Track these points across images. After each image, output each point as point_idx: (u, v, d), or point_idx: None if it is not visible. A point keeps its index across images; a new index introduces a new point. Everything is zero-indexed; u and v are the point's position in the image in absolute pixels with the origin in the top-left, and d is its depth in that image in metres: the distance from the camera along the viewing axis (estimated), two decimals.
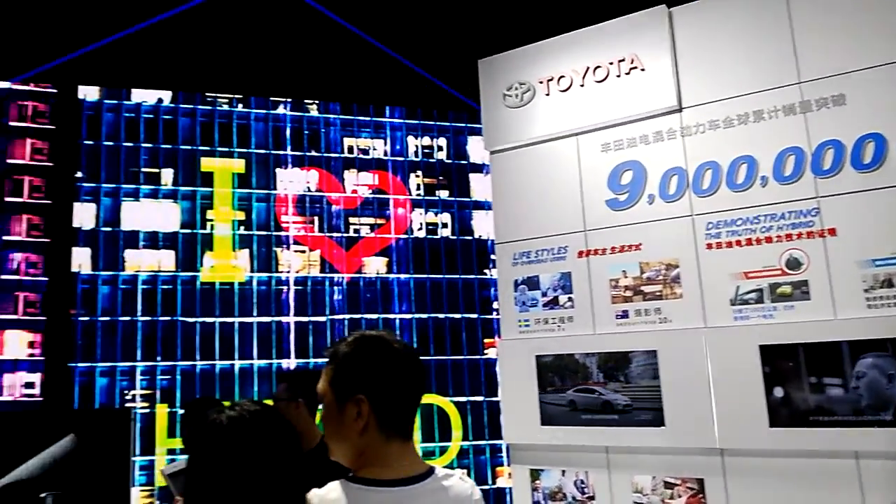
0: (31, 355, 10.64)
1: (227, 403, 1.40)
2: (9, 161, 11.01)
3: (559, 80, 3.32)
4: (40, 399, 10.37)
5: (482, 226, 18.11)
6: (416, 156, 17.10)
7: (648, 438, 2.85)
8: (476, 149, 18.04)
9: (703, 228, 2.87)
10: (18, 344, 10.65)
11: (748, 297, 2.76)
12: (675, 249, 2.92)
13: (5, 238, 10.82)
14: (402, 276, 16.69)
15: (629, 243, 3.05)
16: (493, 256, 16.88)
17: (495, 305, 17.40)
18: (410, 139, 17.07)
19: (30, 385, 10.61)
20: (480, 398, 17.67)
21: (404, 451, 1.31)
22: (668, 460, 2.83)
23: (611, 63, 3.20)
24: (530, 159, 3.35)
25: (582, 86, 3.25)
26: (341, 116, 13.45)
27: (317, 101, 12.63)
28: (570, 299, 3.13)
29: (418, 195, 17.33)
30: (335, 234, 12.86)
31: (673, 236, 2.92)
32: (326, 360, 1.35)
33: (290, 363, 11.32)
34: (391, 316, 16.44)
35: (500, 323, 3.37)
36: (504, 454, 17.14)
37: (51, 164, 11.12)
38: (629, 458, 2.94)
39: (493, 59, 3.55)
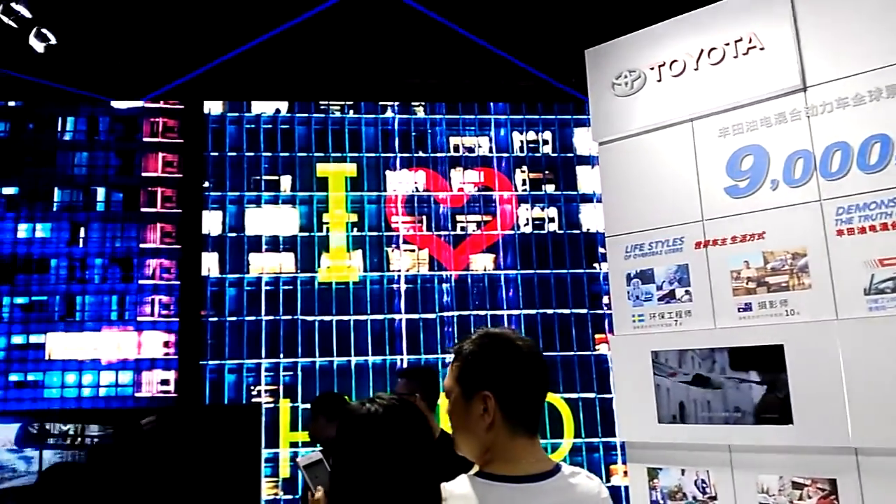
0: (167, 354, 11.47)
1: (348, 398, 1.47)
2: (143, 174, 11.91)
3: (671, 64, 3.21)
4: (174, 395, 11.17)
5: (590, 219, 17.76)
6: (522, 151, 17.03)
7: (775, 436, 2.70)
8: (583, 141, 17.74)
9: (833, 214, 2.68)
10: (155, 344, 11.51)
11: (884, 286, 2.55)
12: (802, 237, 2.74)
13: (142, 245, 11.69)
14: (510, 272, 16.69)
15: (751, 232, 2.90)
16: (602, 250, 16.53)
17: (605, 300, 17.04)
18: (515, 134, 17.03)
19: (165, 382, 11.45)
20: (592, 395, 17.37)
21: (530, 447, 1.32)
22: (797, 459, 2.67)
23: (727, 44, 3.05)
24: (642, 148, 3.26)
25: (696, 69, 3.13)
26: (447, 116, 13.64)
27: (423, 103, 12.90)
28: (687, 292, 3.01)
29: (524, 190, 17.25)
30: (443, 233, 13.06)
31: (799, 223, 2.75)
32: (452, 357, 1.37)
33: (403, 359, 11.61)
34: (499, 312, 16.49)
35: (613, 318, 3.29)
36: (618, 452, 16.75)
37: (180, 175, 11.92)
38: (754, 457, 2.80)
39: (600, 48, 3.48)
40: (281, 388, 11.18)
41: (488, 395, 1.30)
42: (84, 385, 11.58)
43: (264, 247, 11.67)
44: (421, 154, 12.88)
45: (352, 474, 1.27)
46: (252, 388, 10.92)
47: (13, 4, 10.35)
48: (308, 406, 11.02)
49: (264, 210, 11.75)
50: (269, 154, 11.96)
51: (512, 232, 16.79)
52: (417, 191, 12.64)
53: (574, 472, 1.37)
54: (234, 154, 11.86)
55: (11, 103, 12.09)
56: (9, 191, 11.82)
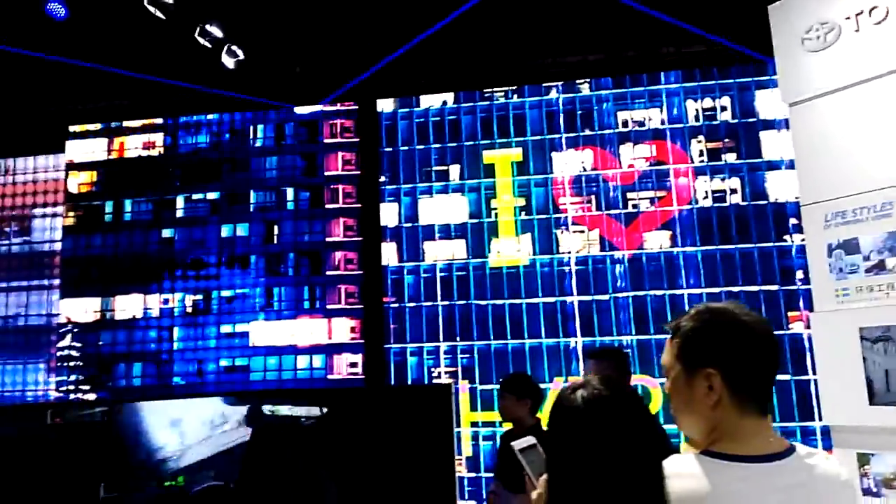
0: (353, 339, 12.23)
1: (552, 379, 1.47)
2: (326, 173, 12.73)
3: (871, 11, 2.88)
4: (363, 377, 11.91)
5: (778, 188, 16.31)
6: (697, 120, 15.99)
7: None
8: (766, 104, 16.30)
9: None
10: (343, 330, 12.33)
11: None
12: None
13: (328, 239, 12.53)
14: (688, 249, 15.81)
15: None
16: (794, 221, 15.15)
17: (800, 275, 15.65)
18: (689, 103, 16.04)
19: (353, 365, 12.24)
20: (787, 377, 16.07)
21: (761, 426, 1.27)
22: None
23: None
24: (840, 106, 2.95)
25: None
26: (613, 91, 13.19)
27: (588, 80, 12.57)
28: None
29: (701, 162, 16.23)
30: (613, 212, 12.67)
31: None
32: (669, 334, 1.35)
33: (577, 342, 11.51)
34: (678, 291, 15.70)
35: (813, 294, 3.03)
36: (818, 437, 15.40)
37: (358, 171, 12.60)
38: None
39: (785, 1, 3.19)
40: (459, 369, 11.53)
41: (713, 372, 1.26)
42: (283, 369, 12.67)
43: (437, 235, 12.05)
44: (587, 132, 12.58)
45: (571, 463, 1.27)
46: (432, 369, 11.36)
47: (208, 26, 11.46)
48: (488, 387, 11.36)
49: (436, 200, 12.12)
50: (437, 145, 12.32)
51: (689, 207, 15.90)
52: (585, 170, 12.35)
53: (811, 453, 1.30)
54: (405, 148, 12.34)
55: (211, 116, 13.46)
56: (212, 195, 13.14)
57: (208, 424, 4.00)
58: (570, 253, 11.95)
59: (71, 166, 13.68)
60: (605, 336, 11.60)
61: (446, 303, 11.44)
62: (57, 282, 13.90)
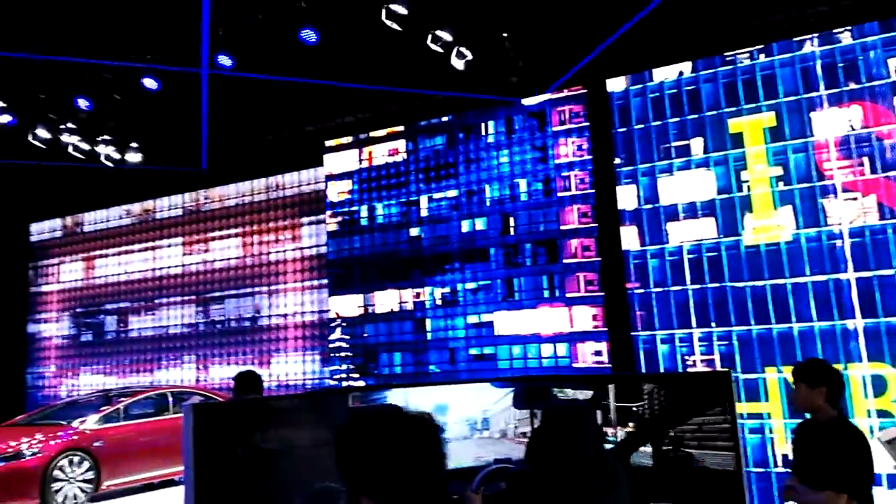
0: (595, 327, 12.04)
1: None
2: (556, 161, 12.68)
3: None
4: (608, 365, 11.68)
5: None
6: None
7: None
8: None
9: None
10: (584, 318, 12.19)
11: None
12: None
13: (562, 227, 12.47)
14: None
15: None
16: None
17: None
18: None
19: (598, 353, 12.04)
20: None
21: None
22: None
23: None
24: None
25: None
26: (881, 36, 11.32)
27: (849, 27, 11.01)
28: None
29: None
30: (892, 173, 10.92)
31: None
32: None
33: (857, 324, 10.14)
34: None
35: None
36: None
37: (590, 157, 12.36)
38: None
39: None
40: (717, 357, 10.79)
41: None
42: (529, 357, 12.88)
43: (682, 215, 11.39)
44: (853, 86, 10.98)
45: None
46: (686, 357, 10.77)
47: (438, 32, 11.99)
48: (751, 376, 10.48)
49: (677, 177, 11.46)
50: (675, 120, 11.62)
51: None
52: (853, 129, 10.78)
53: None
54: (640, 127, 11.83)
55: (444, 118, 14.10)
56: (451, 193, 13.73)
57: (481, 408, 4.13)
58: (840, 224, 10.58)
59: (329, 177, 15.20)
60: (891, 317, 10.10)
61: (697, 286, 10.77)
62: (325, 281, 15.52)
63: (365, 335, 14.42)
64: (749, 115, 11.14)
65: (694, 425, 3.34)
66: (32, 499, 9.37)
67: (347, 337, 14.60)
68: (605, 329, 11.80)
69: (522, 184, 13.29)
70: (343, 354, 14.62)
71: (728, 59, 11.36)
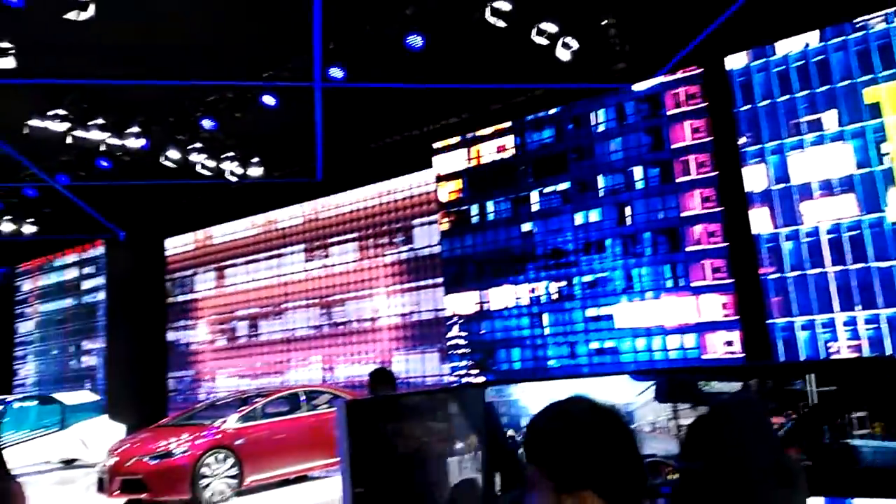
0: (726, 315, 11.50)
1: None
2: (673, 146, 12.23)
3: None
4: (742, 355, 11.12)
5: None
6: None
7: None
8: None
9: None
10: (713, 306, 11.68)
11: None
12: None
13: (683, 214, 12.01)
14: None
15: None
16: None
17: None
18: None
19: (729, 343, 11.50)
20: None
21: None
22: None
23: None
24: None
25: None
26: None
27: None
28: None
29: None
30: None
31: None
32: None
33: None
34: None
35: None
36: None
37: (710, 138, 11.85)
38: None
39: None
40: (865, 343, 10.05)
41: None
42: (654, 350, 12.51)
43: (817, 193, 10.70)
44: None
45: None
46: (829, 344, 10.10)
47: (543, 24, 11.86)
48: None
49: (809, 154, 10.77)
50: (804, 93, 10.92)
51: None
52: None
53: None
54: (765, 103, 11.21)
55: (552, 111, 13.93)
56: (562, 186, 13.55)
57: (624, 401, 4.03)
58: None
59: (439, 178, 15.38)
60: None
61: (838, 268, 10.08)
62: (440, 280, 15.72)
63: (482, 332, 14.51)
64: (886, 82, 10.29)
65: (855, 415, 3.12)
66: (184, 494, 10.05)
67: (465, 334, 14.75)
68: (737, 317, 11.25)
69: (638, 171, 12.93)
70: (461, 351, 14.78)
71: (858, 25, 10.55)
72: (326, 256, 18.70)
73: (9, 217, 19.85)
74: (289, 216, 19.72)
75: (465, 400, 3.54)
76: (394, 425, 2.85)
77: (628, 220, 12.93)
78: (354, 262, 18.09)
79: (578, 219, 13.46)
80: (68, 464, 16.32)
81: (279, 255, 19.72)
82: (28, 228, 20.46)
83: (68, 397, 16.85)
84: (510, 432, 4.17)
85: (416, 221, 16.91)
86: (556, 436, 1.58)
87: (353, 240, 18.19)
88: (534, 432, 1.65)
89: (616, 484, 1.52)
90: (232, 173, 16.78)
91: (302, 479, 11.79)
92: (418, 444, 2.99)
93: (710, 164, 11.78)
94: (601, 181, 13.33)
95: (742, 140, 11.28)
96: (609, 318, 12.98)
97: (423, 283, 16.54)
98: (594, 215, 13.33)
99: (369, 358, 17.32)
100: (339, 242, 18.46)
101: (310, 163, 17.84)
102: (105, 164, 16.48)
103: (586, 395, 1.78)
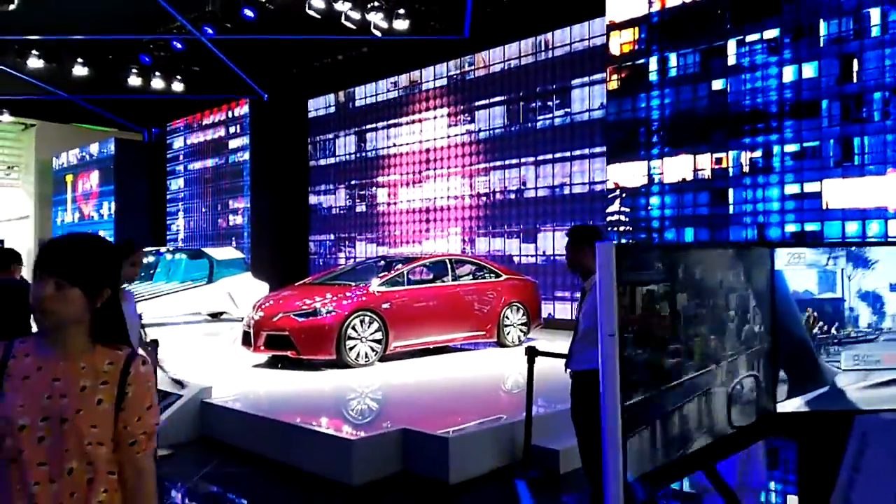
0: None
1: None
2: None
3: None
4: None
5: None
6: None
7: None
8: None
9: None
10: None
11: None
12: None
13: None
14: None
15: None
16: None
17: None
18: None
19: None
20: None
21: None
22: None
23: None
24: None
25: None
26: None
27: None
28: None
29: None
30: None
31: None
32: None
33: None
34: None
35: None
36: None
37: None
38: None
39: None
40: None
41: None
42: (868, 238, 10.36)
43: None
44: None
45: None
46: None
47: None
48: None
49: None
50: None
51: None
52: None
53: None
54: None
55: None
56: (770, 34, 11.10)
57: None
58: None
59: (612, 26, 13.17)
60: None
61: None
62: (598, 149, 13.96)
63: (649, 208, 12.72)
64: None
65: None
66: (329, 354, 9.55)
67: (627, 209, 13.03)
68: None
69: (875, 14, 10.25)
70: (622, 229, 13.14)
71: None
72: (471, 121, 17.26)
73: (158, 73, 19.79)
74: (433, 76, 18.27)
75: (748, 263, 2.82)
76: (667, 274, 2.32)
77: (854, 78, 10.42)
78: (502, 127, 16.54)
79: (787, 74, 11.04)
80: (215, 317, 16.67)
81: (421, 120, 18.49)
82: (177, 86, 20.39)
83: (216, 252, 17.01)
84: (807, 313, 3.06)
85: (576, 82, 14.95)
86: None
87: (501, 103, 16.54)
88: None
89: None
90: (376, 27, 15.42)
91: (443, 349, 11.03)
92: (685, 303, 2.40)
93: None
94: (823, 27, 10.75)
95: None
96: (816, 197, 10.82)
97: (577, 151, 14.81)
98: (808, 70, 10.86)
99: (513, 232, 16.09)
100: (486, 106, 16.89)
101: (457, 18, 16.12)
102: (250, 14, 15.59)
103: None
